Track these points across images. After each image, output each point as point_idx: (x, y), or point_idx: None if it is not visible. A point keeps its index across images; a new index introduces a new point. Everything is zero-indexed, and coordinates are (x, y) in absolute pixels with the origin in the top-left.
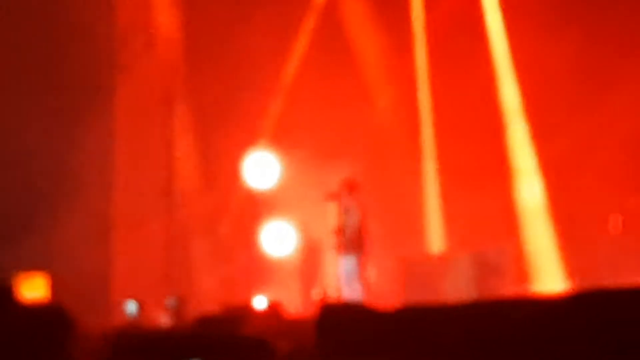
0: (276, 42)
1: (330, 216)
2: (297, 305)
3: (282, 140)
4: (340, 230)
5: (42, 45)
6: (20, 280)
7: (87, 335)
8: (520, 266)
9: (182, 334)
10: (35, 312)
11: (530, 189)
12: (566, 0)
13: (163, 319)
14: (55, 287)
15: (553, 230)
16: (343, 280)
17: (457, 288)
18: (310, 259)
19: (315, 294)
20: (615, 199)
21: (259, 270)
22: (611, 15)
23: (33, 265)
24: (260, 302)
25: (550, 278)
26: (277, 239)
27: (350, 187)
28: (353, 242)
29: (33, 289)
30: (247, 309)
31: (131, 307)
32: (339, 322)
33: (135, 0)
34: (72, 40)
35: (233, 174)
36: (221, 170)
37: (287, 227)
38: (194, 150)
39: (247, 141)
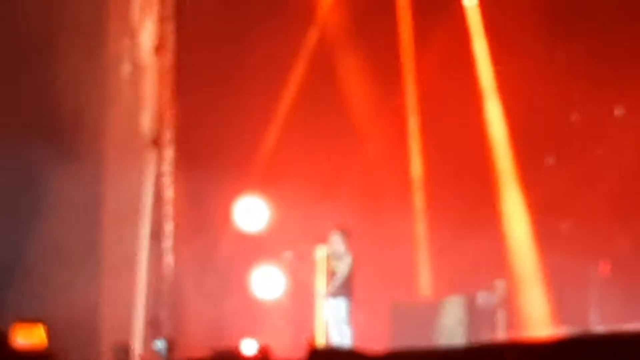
0: (267, 84)
1: (320, 260)
2: (285, 349)
3: (272, 184)
4: (330, 274)
5: (28, 77)
6: (17, 328)
7: None
8: (510, 310)
9: None
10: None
11: (519, 233)
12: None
13: None
14: (49, 333)
15: (542, 275)
16: (332, 324)
17: (446, 332)
18: (299, 302)
19: (304, 338)
20: (604, 243)
21: (248, 313)
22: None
23: (29, 313)
24: (249, 346)
25: (539, 323)
26: (267, 282)
27: (341, 231)
28: (343, 286)
29: (31, 336)
30: (236, 353)
31: (121, 349)
32: None
33: (126, 36)
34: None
35: (223, 217)
36: (211, 213)
37: (277, 271)
38: (183, 193)
39: (238, 184)
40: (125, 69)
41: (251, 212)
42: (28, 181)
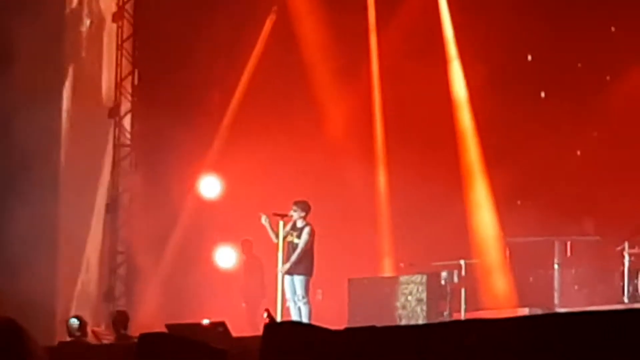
0: (229, 57)
1: (279, 236)
2: (242, 324)
3: (231, 159)
4: (289, 250)
5: None
6: None
7: (39, 350)
8: (471, 290)
9: (125, 350)
10: None
11: (482, 212)
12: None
13: (107, 336)
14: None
15: (504, 255)
16: (290, 299)
17: (407, 311)
18: (257, 278)
19: (262, 313)
20: (564, 225)
21: (206, 289)
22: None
23: None
24: (206, 321)
25: (501, 303)
26: (225, 258)
27: (301, 205)
28: (302, 261)
29: None
30: (193, 327)
31: (74, 323)
32: (284, 341)
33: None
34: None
35: (182, 191)
36: (170, 187)
37: (235, 247)
38: (141, 166)
39: (196, 157)
40: (85, 24)
41: (210, 187)
42: None
